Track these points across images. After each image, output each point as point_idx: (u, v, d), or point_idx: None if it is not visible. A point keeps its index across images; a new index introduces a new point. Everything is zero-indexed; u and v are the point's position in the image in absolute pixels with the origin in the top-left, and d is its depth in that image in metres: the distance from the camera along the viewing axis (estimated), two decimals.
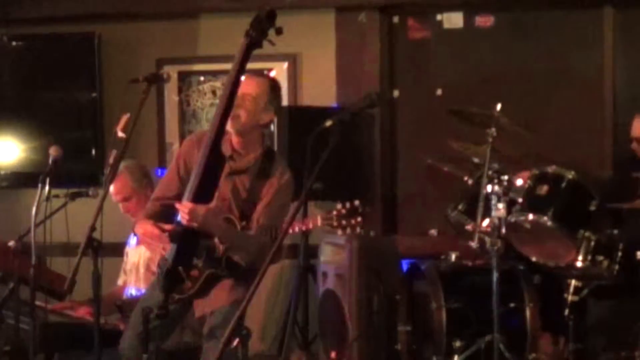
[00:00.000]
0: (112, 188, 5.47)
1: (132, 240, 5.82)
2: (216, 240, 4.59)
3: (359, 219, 4.36)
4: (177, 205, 4.54)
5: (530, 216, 5.26)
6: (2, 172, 7.24)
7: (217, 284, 4.68)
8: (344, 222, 4.39)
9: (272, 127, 6.60)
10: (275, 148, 6.55)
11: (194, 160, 4.77)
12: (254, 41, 4.42)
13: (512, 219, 5.28)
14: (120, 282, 5.90)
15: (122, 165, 5.35)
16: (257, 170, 4.73)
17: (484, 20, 6.95)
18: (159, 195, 4.89)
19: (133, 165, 5.74)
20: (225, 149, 4.70)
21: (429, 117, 6.94)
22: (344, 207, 4.39)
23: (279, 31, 4.40)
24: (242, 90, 4.66)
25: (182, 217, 4.51)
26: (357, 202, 4.38)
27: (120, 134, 4.51)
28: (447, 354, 5.34)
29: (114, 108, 4.52)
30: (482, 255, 5.52)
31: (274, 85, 4.82)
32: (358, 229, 4.41)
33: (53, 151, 4.93)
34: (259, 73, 4.88)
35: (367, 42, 6.93)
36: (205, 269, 4.62)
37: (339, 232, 4.41)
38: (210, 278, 4.64)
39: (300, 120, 6.41)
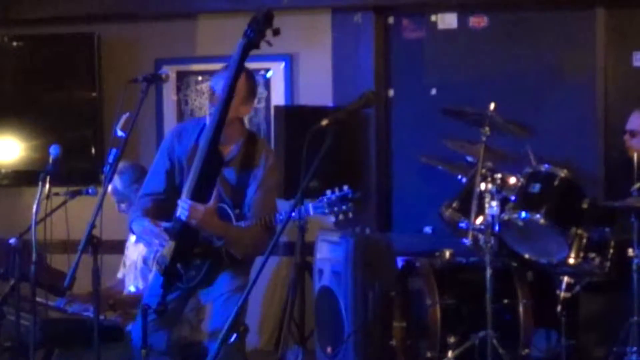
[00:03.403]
0: (109, 189, 5.52)
1: (132, 236, 5.87)
2: (213, 237, 4.67)
3: (350, 204, 4.41)
4: (180, 202, 4.61)
5: (523, 214, 5.30)
6: (3, 171, 7.28)
7: (219, 273, 4.76)
8: (335, 208, 4.44)
9: (271, 127, 6.67)
10: (273, 147, 6.60)
11: (176, 153, 4.84)
12: (251, 42, 4.47)
13: (506, 216, 5.32)
14: (120, 275, 5.96)
15: (119, 166, 5.38)
16: (242, 159, 4.79)
17: (477, 21, 6.98)
18: (148, 191, 4.95)
19: (126, 168, 5.76)
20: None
21: (424, 117, 6.96)
22: (333, 193, 4.45)
23: (276, 32, 4.43)
24: (219, 87, 4.70)
25: (182, 213, 4.58)
26: (346, 187, 4.43)
27: (120, 133, 4.55)
28: (442, 350, 5.38)
29: (113, 107, 4.55)
30: (475, 252, 5.55)
31: (249, 77, 4.84)
32: (350, 215, 4.45)
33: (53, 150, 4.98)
34: None
35: (362, 43, 6.96)
36: (207, 258, 4.70)
37: (332, 218, 4.46)
38: (212, 267, 4.72)
39: (297, 119, 6.44)
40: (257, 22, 4.45)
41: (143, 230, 4.77)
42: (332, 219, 4.49)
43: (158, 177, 4.92)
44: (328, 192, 4.47)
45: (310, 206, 4.53)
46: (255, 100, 5.04)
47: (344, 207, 4.44)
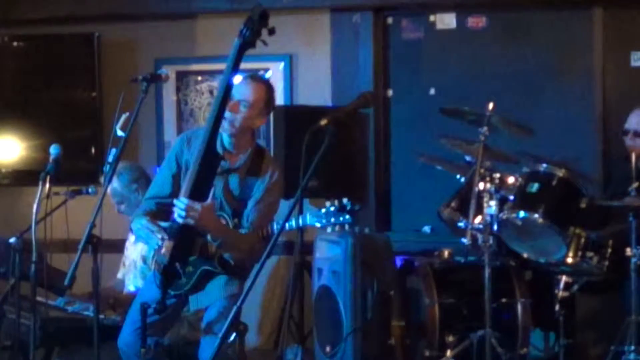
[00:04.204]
0: (108, 190, 5.52)
1: (132, 236, 5.89)
2: (209, 238, 4.67)
3: (347, 216, 4.41)
4: (175, 202, 4.62)
5: (522, 213, 5.30)
6: (4, 170, 7.30)
7: (211, 280, 4.76)
8: (332, 219, 4.45)
9: (270, 127, 6.68)
10: (272, 146, 6.62)
11: (184, 158, 4.86)
12: (246, 41, 4.47)
13: (504, 216, 5.32)
14: (119, 275, 5.98)
15: (118, 167, 5.38)
16: (247, 169, 4.79)
17: (476, 21, 7.00)
18: (153, 194, 4.95)
19: (125, 169, 5.79)
20: (217, 148, 4.77)
21: (422, 116, 6.97)
22: (332, 205, 4.46)
23: (271, 31, 4.44)
24: (239, 95, 4.72)
25: (178, 213, 4.59)
26: (345, 200, 4.43)
27: (120, 133, 4.56)
28: (440, 349, 5.40)
29: (113, 107, 4.56)
30: (474, 251, 5.57)
31: (269, 90, 4.87)
32: (347, 227, 4.46)
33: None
34: (257, 77, 4.88)
35: (361, 43, 6.98)
36: (199, 266, 4.71)
37: (328, 229, 4.47)
38: (204, 274, 4.72)
39: (296, 119, 6.45)
40: (252, 21, 4.45)
41: (141, 227, 4.76)
42: (328, 230, 4.49)
43: (164, 181, 4.92)
44: (327, 203, 4.47)
45: (308, 216, 4.53)
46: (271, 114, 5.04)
47: (341, 219, 4.44)
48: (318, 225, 4.53)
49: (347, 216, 4.43)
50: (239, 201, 4.78)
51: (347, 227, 4.48)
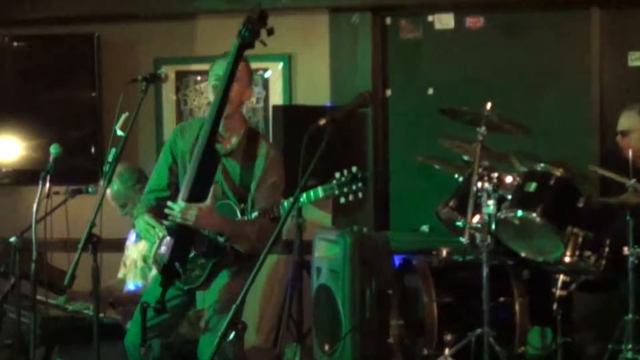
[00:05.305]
0: (108, 192, 5.53)
1: (132, 236, 5.91)
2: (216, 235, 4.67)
3: (360, 184, 4.40)
4: (170, 205, 4.62)
5: (520, 212, 5.31)
6: (4, 170, 7.32)
7: (218, 274, 4.75)
8: (345, 189, 4.43)
9: (269, 126, 6.70)
10: None
11: (179, 148, 4.87)
12: (245, 41, 4.50)
13: (502, 215, 5.32)
14: (120, 275, 5.99)
15: (117, 170, 5.38)
16: (243, 152, 4.81)
17: (474, 21, 7.02)
18: (151, 187, 4.98)
19: (125, 171, 5.80)
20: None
21: (421, 116, 7.01)
22: (342, 175, 4.44)
23: (270, 31, 4.47)
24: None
25: (174, 217, 4.59)
26: (355, 168, 4.43)
27: (119, 133, 4.58)
28: (438, 348, 5.38)
29: (113, 107, 4.58)
30: (472, 250, 5.57)
31: (248, 64, 4.90)
32: (360, 194, 4.43)
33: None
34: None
35: (360, 43, 7.01)
36: (211, 257, 4.70)
37: (342, 200, 4.43)
38: (216, 266, 4.72)
39: (295, 119, 6.47)
40: (251, 21, 4.47)
41: (143, 223, 4.79)
42: (342, 200, 4.47)
43: (161, 173, 4.95)
44: (337, 174, 4.46)
45: (320, 189, 4.50)
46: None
47: (354, 187, 4.43)
48: (330, 196, 4.50)
49: (360, 184, 4.42)
50: (241, 186, 4.79)
51: (360, 195, 4.44)
